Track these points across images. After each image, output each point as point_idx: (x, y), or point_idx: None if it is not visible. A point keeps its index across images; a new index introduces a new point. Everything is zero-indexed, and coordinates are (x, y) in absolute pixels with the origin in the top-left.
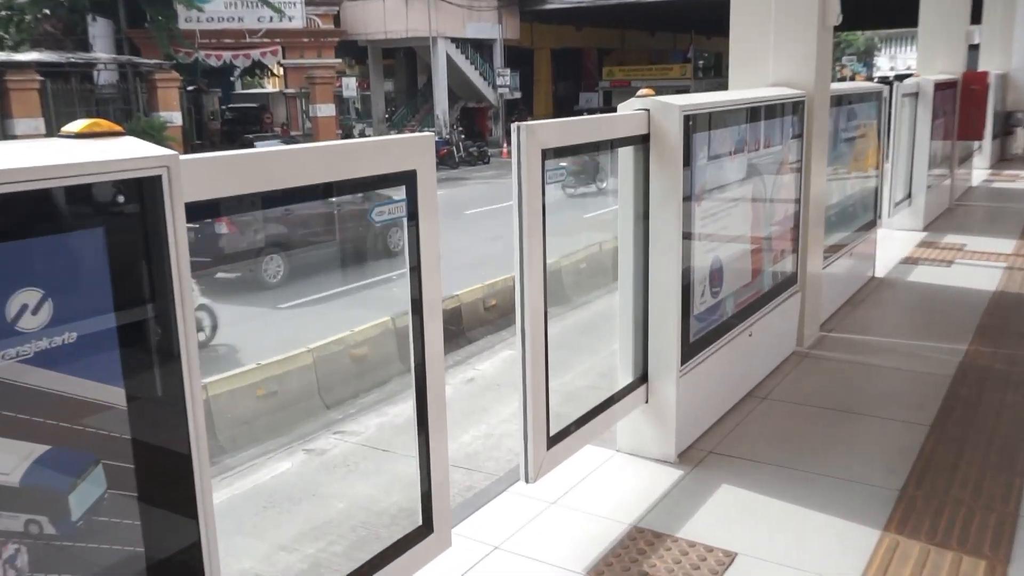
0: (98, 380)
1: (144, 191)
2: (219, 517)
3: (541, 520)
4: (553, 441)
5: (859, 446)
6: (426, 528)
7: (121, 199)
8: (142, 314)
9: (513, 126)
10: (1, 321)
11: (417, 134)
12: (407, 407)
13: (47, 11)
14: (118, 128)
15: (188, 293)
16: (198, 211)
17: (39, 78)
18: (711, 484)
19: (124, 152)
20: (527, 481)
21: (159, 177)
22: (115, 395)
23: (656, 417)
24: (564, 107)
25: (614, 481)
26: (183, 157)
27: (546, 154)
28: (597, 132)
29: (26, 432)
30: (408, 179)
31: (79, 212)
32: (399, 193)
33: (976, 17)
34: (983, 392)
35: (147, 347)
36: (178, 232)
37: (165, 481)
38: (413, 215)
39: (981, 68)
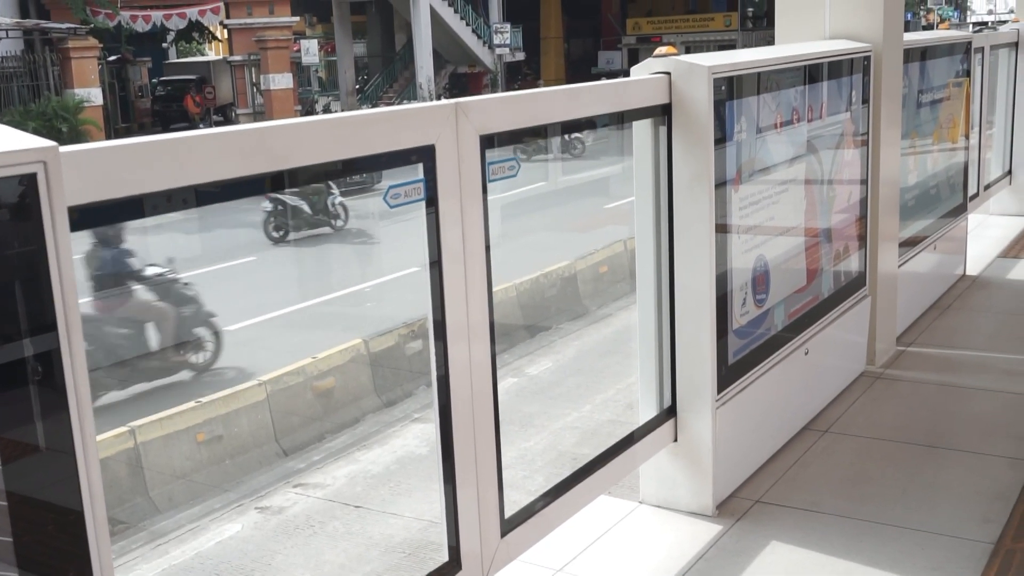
0: None
1: (15, 194)
2: None
3: None
4: (510, 524)
5: (946, 490)
6: (453, 564)
7: None
8: (17, 349)
9: (439, 104)
10: None
11: (434, 104)
12: (384, 452)
13: None
14: None
15: (76, 318)
16: (93, 215)
17: None
18: (758, 542)
19: None
20: None
21: (33, 176)
22: None
23: (688, 459)
24: (580, 70)
25: (636, 541)
26: (65, 149)
27: (487, 142)
28: (564, 109)
29: None
30: (426, 155)
31: None
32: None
33: None
34: None
35: (25, 389)
36: (60, 244)
37: (53, 555)
38: (432, 198)
39: None
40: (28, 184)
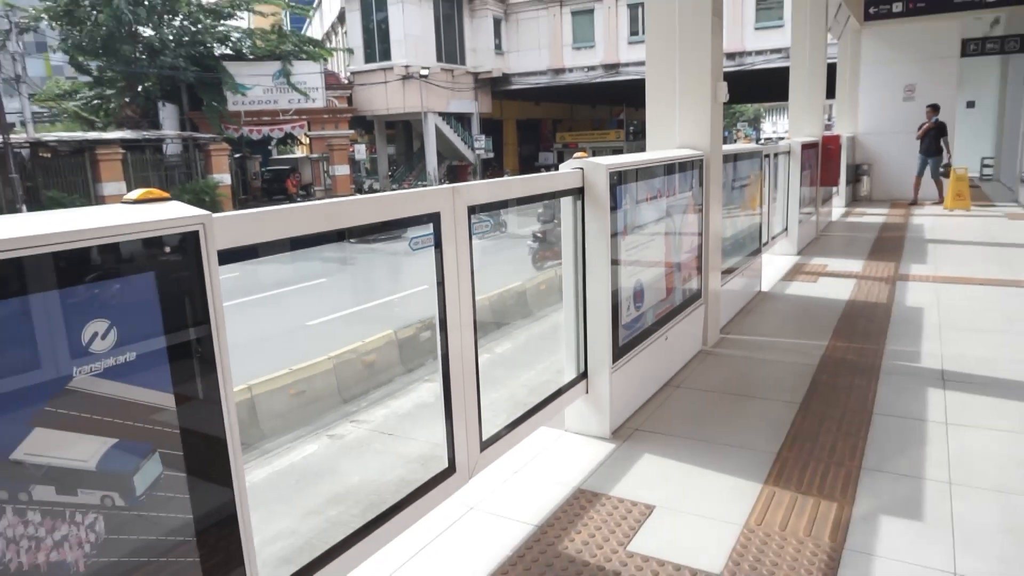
0: (153, 388)
1: (185, 243)
2: (261, 489)
3: (507, 486)
4: (486, 444)
5: (748, 421)
6: (451, 468)
7: (168, 249)
8: (186, 336)
9: (442, 187)
10: (78, 345)
11: (440, 187)
12: (407, 400)
13: (128, 99)
14: (166, 195)
15: (222, 318)
16: (232, 256)
17: (121, 151)
18: (637, 454)
19: (169, 214)
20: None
21: (196, 232)
22: (166, 399)
23: (594, 404)
24: (527, 164)
25: (563, 454)
26: (216, 216)
27: (472, 210)
28: (520, 190)
29: (98, 429)
30: (435, 218)
31: (135, 260)
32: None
33: (831, 93)
34: (838, 377)
35: (190, 361)
36: (212, 273)
37: (207, 463)
38: (439, 244)
39: (836, 132)
40: (194, 237)
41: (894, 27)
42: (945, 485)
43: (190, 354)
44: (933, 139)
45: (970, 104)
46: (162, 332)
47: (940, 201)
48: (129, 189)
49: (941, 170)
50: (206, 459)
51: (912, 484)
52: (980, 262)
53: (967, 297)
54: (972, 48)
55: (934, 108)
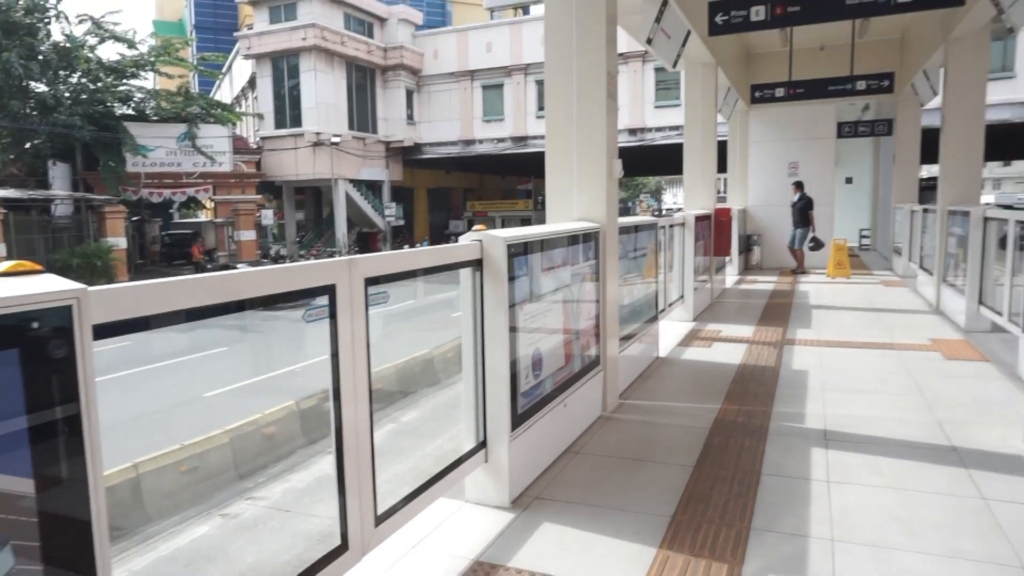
0: (9, 473)
1: (57, 318)
2: None
3: (402, 563)
4: (381, 519)
5: (645, 485)
6: (343, 546)
7: (35, 325)
8: (51, 416)
9: (339, 259)
10: None
11: (336, 259)
12: (307, 474)
13: (12, 156)
14: (38, 267)
15: (94, 396)
16: (111, 330)
17: (2, 211)
18: (536, 523)
19: (40, 287)
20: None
21: (70, 307)
22: (24, 484)
23: (494, 473)
24: (438, 232)
25: (462, 525)
26: (92, 288)
27: (370, 281)
28: (419, 262)
29: None
30: (330, 290)
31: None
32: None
33: (723, 168)
34: (729, 440)
35: (55, 442)
36: (85, 348)
37: (67, 553)
38: (333, 315)
39: (728, 204)
40: (67, 311)
41: (777, 110)
42: (828, 542)
43: (55, 435)
44: (800, 212)
45: (848, 180)
46: (24, 412)
47: (797, 271)
48: (9, 251)
49: (809, 244)
50: (67, 549)
51: (797, 543)
52: (859, 326)
53: (847, 359)
54: (847, 130)
55: (798, 185)
